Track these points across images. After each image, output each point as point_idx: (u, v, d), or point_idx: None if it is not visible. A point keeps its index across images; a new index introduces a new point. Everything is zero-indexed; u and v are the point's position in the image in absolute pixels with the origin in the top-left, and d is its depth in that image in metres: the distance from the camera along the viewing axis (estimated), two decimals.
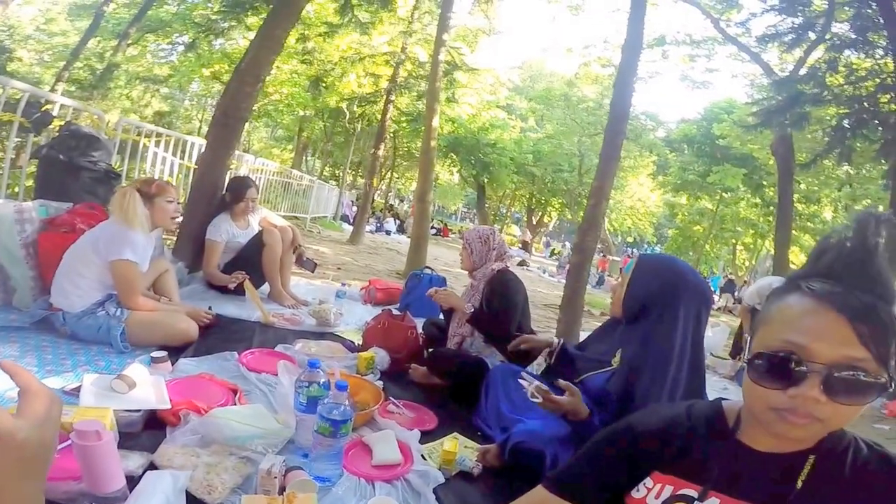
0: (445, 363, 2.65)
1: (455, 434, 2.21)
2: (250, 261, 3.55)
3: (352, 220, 12.85)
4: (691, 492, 0.87)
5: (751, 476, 0.83)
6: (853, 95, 7.56)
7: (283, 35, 3.97)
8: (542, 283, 12.70)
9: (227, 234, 3.56)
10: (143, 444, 1.65)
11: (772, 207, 15.62)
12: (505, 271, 2.78)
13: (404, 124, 16.25)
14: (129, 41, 12.25)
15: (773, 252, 11.97)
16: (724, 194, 17.22)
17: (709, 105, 19.67)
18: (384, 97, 10.94)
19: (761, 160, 14.64)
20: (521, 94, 23.36)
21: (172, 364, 2.24)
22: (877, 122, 7.35)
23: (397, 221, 19.79)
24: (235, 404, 1.94)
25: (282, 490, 1.54)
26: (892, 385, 0.71)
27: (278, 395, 2.02)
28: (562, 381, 1.79)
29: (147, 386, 1.87)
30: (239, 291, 3.29)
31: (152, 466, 1.54)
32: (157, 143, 4.91)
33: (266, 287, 3.72)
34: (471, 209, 35.72)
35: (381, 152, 10.74)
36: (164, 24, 12.82)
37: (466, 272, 2.96)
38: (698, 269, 19.59)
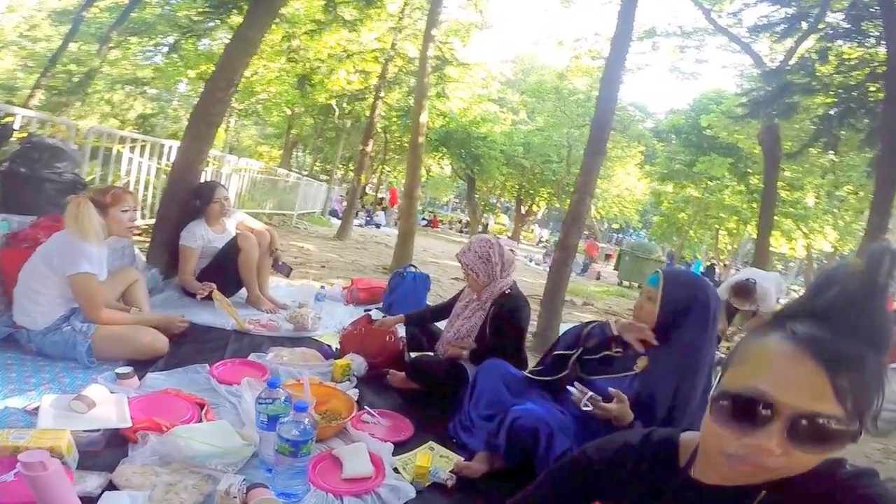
0: (424, 371, 2.57)
1: (430, 444, 2.15)
2: (226, 266, 3.43)
3: (341, 215, 12.69)
4: None
5: None
6: (843, 84, 7.44)
7: (257, 37, 3.83)
8: (528, 272, 12.51)
9: (202, 239, 3.41)
10: (104, 463, 1.59)
11: (755, 194, 15.63)
12: (512, 296, 2.55)
13: (395, 119, 16.10)
14: (111, 45, 11.89)
15: (754, 236, 12.05)
16: (709, 182, 17.31)
17: (698, 96, 19.66)
18: (373, 93, 10.75)
19: (747, 149, 14.62)
20: (512, 88, 23.26)
21: (140, 379, 2.16)
22: (863, 111, 7.26)
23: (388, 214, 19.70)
24: (201, 420, 1.87)
25: None
26: (860, 433, 0.64)
27: (243, 409, 1.94)
28: (612, 389, 1.83)
29: (108, 404, 1.80)
30: (211, 299, 3.16)
31: (111, 486, 1.48)
32: (133, 149, 4.74)
33: (244, 292, 3.61)
34: (462, 200, 35.83)
35: (369, 148, 10.60)
36: (149, 27, 12.36)
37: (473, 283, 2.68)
38: (682, 254, 19.80)
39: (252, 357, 2.65)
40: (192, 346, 2.70)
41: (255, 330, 3.11)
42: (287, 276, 3.93)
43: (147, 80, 14.04)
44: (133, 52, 13.98)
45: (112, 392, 1.93)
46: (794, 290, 19.12)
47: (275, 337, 3.11)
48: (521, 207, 25.86)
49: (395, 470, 1.88)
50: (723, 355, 4.89)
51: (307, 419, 1.59)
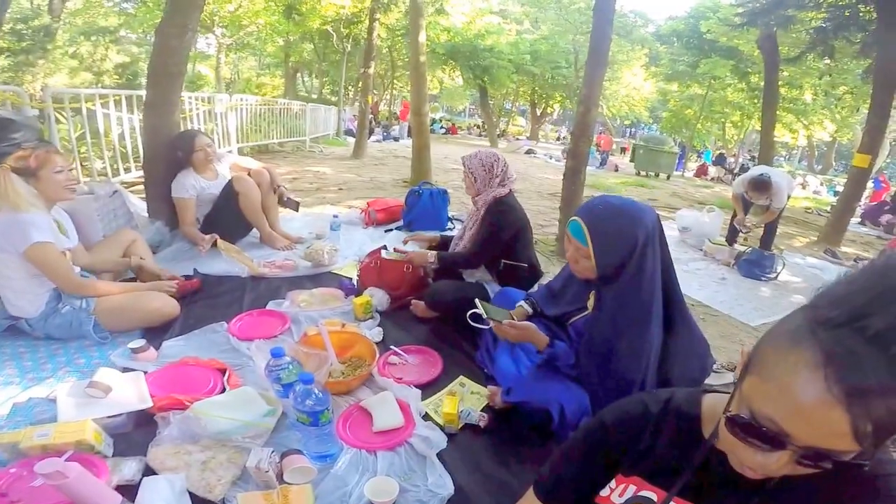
0: (442, 299, 2.40)
1: (461, 379, 2.02)
2: (228, 211, 3.16)
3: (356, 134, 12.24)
4: (651, 494, 0.78)
5: (722, 484, 0.73)
6: (834, 4, 7.40)
7: None
8: (549, 168, 12.13)
9: (194, 188, 3.09)
10: (137, 444, 1.49)
11: (757, 92, 15.51)
12: (501, 200, 2.46)
13: (398, 38, 15.21)
14: None
15: (758, 128, 12.22)
16: (712, 82, 16.95)
17: (695, 3, 18.99)
18: (368, 16, 9.91)
19: (747, 52, 14.35)
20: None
21: (157, 349, 1.98)
22: (855, 26, 7.25)
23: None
24: (224, 387, 1.72)
25: (280, 476, 1.39)
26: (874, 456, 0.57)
27: (261, 374, 1.78)
28: (511, 321, 1.78)
29: (125, 385, 1.63)
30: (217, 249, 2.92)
31: (148, 470, 1.39)
32: (105, 104, 4.20)
33: (256, 231, 3.39)
34: (478, 106, 34.98)
35: (371, 71, 9.84)
36: None
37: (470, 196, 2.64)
38: (692, 145, 19.80)
39: (270, 305, 2.47)
40: (206, 302, 2.49)
41: (270, 273, 2.88)
42: (296, 210, 3.65)
43: (114, 29, 12.70)
44: (97, 1, 12.66)
45: (128, 370, 1.78)
46: (800, 174, 18.86)
47: (292, 277, 2.89)
48: (536, 110, 25.48)
49: (426, 416, 1.75)
50: (741, 248, 4.71)
51: (317, 388, 1.45)
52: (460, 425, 1.70)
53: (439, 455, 1.55)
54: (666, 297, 1.55)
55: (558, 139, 28.94)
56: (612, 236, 1.51)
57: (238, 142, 7.28)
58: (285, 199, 3.50)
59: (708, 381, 1.94)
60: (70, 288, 2.05)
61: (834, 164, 27.48)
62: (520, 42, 18.80)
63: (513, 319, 1.84)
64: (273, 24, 11.82)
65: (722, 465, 0.70)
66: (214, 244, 2.87)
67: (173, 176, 3.09)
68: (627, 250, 1.50)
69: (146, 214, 3.21)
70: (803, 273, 4.76)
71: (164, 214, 3.17)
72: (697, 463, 0.72)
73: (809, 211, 10.34)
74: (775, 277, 4.33)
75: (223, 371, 1.80)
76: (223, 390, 1.70)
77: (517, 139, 22.54)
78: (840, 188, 10.16)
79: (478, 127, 26.73)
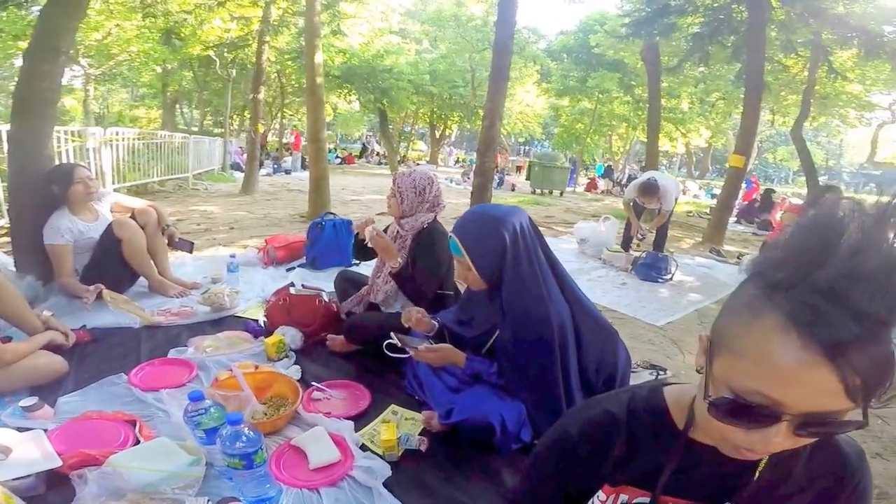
0: (362, 332, 2.38)
1: (393, 407, 2.04)
2: (111, 259, 2.89)
3: (244, 168, 11.77)
4: (644, 499, 0.77)
5: (704, 473, 0.74)
6: (711, 7, 8.45)
7: None
8: (452, 192, 12.28)
9: (70, 233, 2.80)
10: None
11: (640, 104, 17.48)
12: (433, 230, 2.43)
13: (288, 62, 14.96)
14: None
15: (642, 139, 13.97)
16: (600, 95, 18.48)
17: (584, 17, 20.68)
18: (256, 39, 9.67)
19: (631, 65, 15.72)
20: (413, 18, 22.85)
21: (52, 405, 1.82)
22: (729, 30, 8.34)
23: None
24: (138, 440, 1.61)
25: None
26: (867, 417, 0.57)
27: (175, 424, 1.70)
28: (426, 344, 1.91)
29: (25, 445, 1.50)
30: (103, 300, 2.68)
31: None
32: None
33: (145, 280, 3.13)
34: (375, 132, 34.99)
35: (261, 96, 9.57)
36: None
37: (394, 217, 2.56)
38: (582, 159, 21.73)
39: (172, 354, 2.33)
40: (98, 355, 2.31)
41: (167, 321, 2.70)
42: (190, 251, 3.43)
43: None
44: None
45: (24, 430, 1.62)
46: (680, 180, 20.97)
47: (192, 324, 2.73)
48: (436, 132, 25.96)
49: (364, 447, 1.75)
50: (637, 253, 5.15)
51: (246, 427, 1.42)
52: (401, 452, 1.72)
53: (385, 484, 1.56)
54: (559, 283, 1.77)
55: (456, 162, 29.84)
56: (482, 240, 1.72)
57: (114, 182, 6.75)
58: (176, 240, 3.25)
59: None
60: None
61: (710, 168, 31.03)
62: (419, 62, 19.22)
63: (429, 344, 1.92)
64: (147, 52, 11.12)
65: (704, 454, 0.71)
66: (100, 295, 2.64)
67: (45, 219, 2.78)
68: (499, 249, 1.70)
69: (13, 269, 2.87)
70: (695, 272, 5.30)
71: (35, 267, 2.83)
72: (678, 456, 0.73)
73: (691, 214, 11.56)
74: (671, 278, 4.78)
75: (133, 423, 1.69)
76: (137, 442, 1.60)
77: (417, 164, 22.90)
78: (717, 191, 11.51)
79: (377, 154, 26.81)
